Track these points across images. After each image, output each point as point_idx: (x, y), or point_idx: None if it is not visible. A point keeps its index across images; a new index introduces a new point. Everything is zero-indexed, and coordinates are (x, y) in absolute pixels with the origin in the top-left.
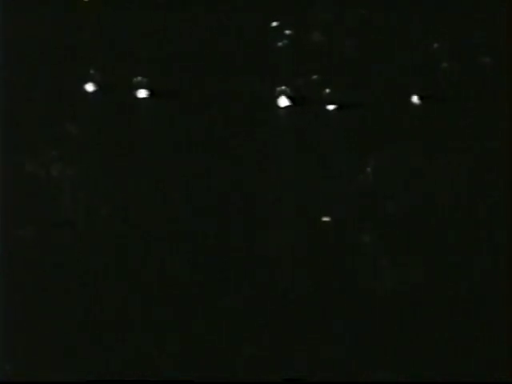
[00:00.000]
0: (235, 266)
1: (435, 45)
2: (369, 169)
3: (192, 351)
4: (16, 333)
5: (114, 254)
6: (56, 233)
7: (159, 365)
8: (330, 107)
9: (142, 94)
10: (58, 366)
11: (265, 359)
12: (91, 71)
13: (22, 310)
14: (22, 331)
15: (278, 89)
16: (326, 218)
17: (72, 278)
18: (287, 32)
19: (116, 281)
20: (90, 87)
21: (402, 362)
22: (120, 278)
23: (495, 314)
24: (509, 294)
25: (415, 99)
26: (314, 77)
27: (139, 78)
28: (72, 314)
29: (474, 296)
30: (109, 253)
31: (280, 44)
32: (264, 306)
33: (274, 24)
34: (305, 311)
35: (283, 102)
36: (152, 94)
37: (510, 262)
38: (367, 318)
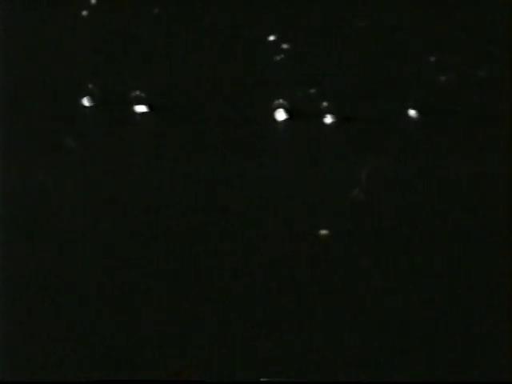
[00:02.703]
0: (235, 271)
1: (432, 57)
2: (365, 179)
3: (191, 352)
4: (16, 333)
5: (114, 254)
6: (55, 242)
7: (160, 365)
8: (328, 120)
9: (140, 108)
10: (58, 365)
11: (265, 359)
12: (89, 85)
13: (22, 310)
14: (22, 331)
15: (276, 102)
16: (323, 232)
17: (72, 279)
18: (284, 46)
19: (117, 282)
20: (88, 101)
21: (402, 362)
22: (121, 279)
23: (495, 313)
24: (509, 294)
25: (412, 112)
26: (312, 90)
27: (137, 93)
28: (72, 314)
29: (474, 296)
30: (109, 253)
31: (277, 58)
32: (264, 307)
33: (272, 38)
34: (304, 312)
35: (280, 115)
36: (150, 108)
37: (510, 262)
38: (367, 319)
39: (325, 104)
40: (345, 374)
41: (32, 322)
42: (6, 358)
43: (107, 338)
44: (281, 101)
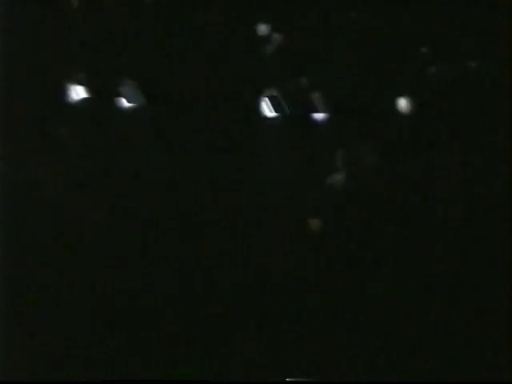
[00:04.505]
0: (234, 269)
1: (423, 49)
2: (358, 172)
3: (191, 353)
4: (16, 333)
5: (113, 253)
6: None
7: (160, 365)
8: (319, 112)
9: (131, 98)
10: (58, 366)
11: (265, 359)
12: (80, 75)
13: (22, 310)
14: (22, 331)
15: (266, 93)
16: (314, 221)
17: (72, 279)
18: (275, 37)
19: (116, 282)
20: (79, 91)
21: (402, 362)
22: (120, 279)
23: (495, 313)
24: (509, 294)
25: (403, 103)
26: (303, 82)
27: (129, 82)
28: (72, 314)
29: (474, 297)
30: (108, 253)
31: (268, 49)
32: (263, 307)
33: (263, 30)
34: (304, 313)
35: (271, 106)
36: (141, 98)
37: (510, 263)
38: (367, 319)
39: (316, 96)
40: (345, 374)
41: (32, 321)
42: (5, 358)
43: (107, 339)
44: (272, 93)
